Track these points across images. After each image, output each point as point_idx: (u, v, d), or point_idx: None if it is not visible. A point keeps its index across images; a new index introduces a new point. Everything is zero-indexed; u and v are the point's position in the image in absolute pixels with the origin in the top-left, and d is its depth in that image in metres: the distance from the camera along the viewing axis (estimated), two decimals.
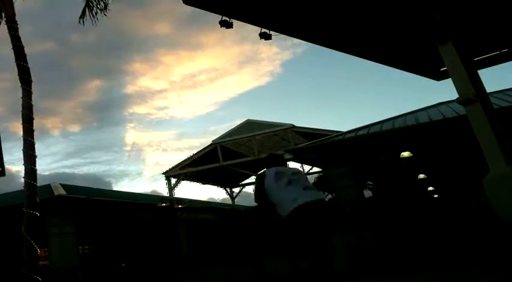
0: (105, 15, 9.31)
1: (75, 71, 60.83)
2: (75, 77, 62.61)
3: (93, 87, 63.44)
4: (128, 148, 76.87)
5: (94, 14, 9.28)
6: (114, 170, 74.16)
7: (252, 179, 37.90)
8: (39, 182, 7.33)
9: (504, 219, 7.38)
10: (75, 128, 73.94)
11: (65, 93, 65.39)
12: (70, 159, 73.46)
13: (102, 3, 9.32)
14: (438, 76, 12.27)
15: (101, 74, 67.49)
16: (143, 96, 70.56)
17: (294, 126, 28.39)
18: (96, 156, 74.69)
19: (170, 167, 31.27)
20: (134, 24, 57.71)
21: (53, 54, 56.32)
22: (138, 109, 74.00)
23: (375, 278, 7.61)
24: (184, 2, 8.07)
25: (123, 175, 73.78)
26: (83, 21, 9.40)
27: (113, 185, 79.89)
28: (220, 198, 41.82)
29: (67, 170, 70.62)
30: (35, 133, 7.23)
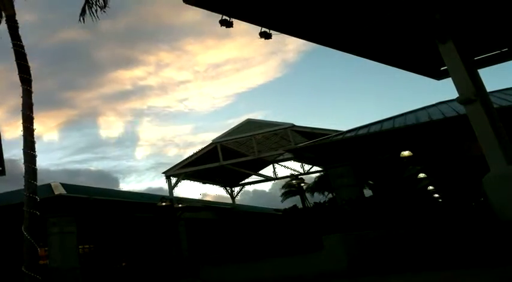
0: (104, 12, 9.28)
1: (97, 61, 59.89)
2: (97, 68, 61.69)
3: (114, 78, 62.28)
4: (141, 143, 76.12)
5: (94, 12, 9.25)
6: (123, 165, 73.67)
7: (253, 178, 37.93)
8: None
9: (504, 218, 7.38)
10: (90, 121, 73.12)
11: (84, 84, 63.98)
12: (82, 154, 72.55)
13: (101, 1, 9.28)
14: (438, 75, 12.28)
15: (123, 65, 66.33)
16: (164, 88, 69.54)
17: (294, 126, 28.39)
18: (108, 151, 73.87)
19: (171, 166, 31.35)
20: (161, 12, 56.67)
21: (76, 43, 55.34)
22: (158, 101, 72.80)
23: (375, 277, 7.61)
24: (184, 2, 8.08)
25: (131, 171, 73.13)
26: (83, 19, 9.36)
27: (120, 180, 78.74)
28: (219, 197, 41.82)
29: (77, 165, 70.13)
30: (36, 132, 7.24)
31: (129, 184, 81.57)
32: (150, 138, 79.52)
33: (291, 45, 56.61)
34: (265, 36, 9.35)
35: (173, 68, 65.30)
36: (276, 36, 9.54)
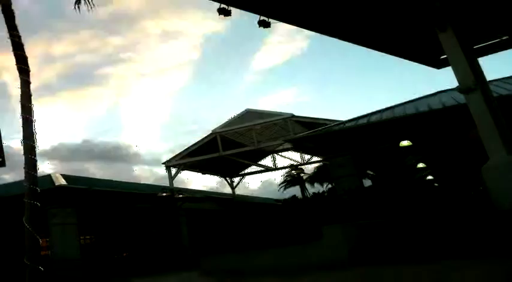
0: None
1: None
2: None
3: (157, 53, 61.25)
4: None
5: (89, 0, 9.02)
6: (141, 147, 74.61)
7: (252, 168, 37.98)
8: None
9: (503, 207, 7.41)
10: (121, 101, 73.36)
11: (127, 59, 63.91)
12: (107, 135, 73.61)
13: None
14: (438, 64, 12.23)
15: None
16: None
17: (293, 116, 28.32)
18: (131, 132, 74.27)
19: (170, 156, 31.39)
20: None
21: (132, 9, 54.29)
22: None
23: (375, 266, 7.67)
24: None
25: (150, 154, 73.94)
26: (78, 7, 9.15)
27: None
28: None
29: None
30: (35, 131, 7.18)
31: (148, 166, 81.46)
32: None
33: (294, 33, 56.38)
34: (264, 24, 9.28)
35: None
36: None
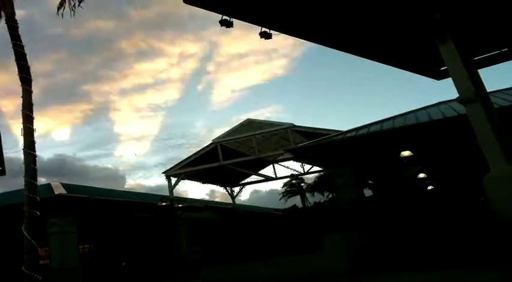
0: (82, 7, 8.87)
1: (118, 52, 60.13)
2: (118, 60, 61.88)
3: (136, 70, 62.86)
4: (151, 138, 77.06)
5: (72, 7, 8.87)
6: (131, 160, 74.86)
7: (252, 178, 37.89)
8: None
9: (503, 218, 7.38)
10: (105, 116, 73.52)
11: (107, 76, 63.95)
12: (93, 149, 73.58)
13: None
14: (438, 75, 12.29)
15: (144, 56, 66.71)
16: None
17: (294, 126, 28.39)
18: (118, 146, 74.74)
19: (171, 166, 31.38)
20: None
21: (106, 32, 55.90)
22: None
23: (375, 276, 7.62)
24: (185, 2, 8.09)
25: (139, 167, 73.95)
26: (62, 14, 8.93)
27: (127, 177, 79.35)
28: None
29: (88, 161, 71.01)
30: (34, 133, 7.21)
31: (137, 180, 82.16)
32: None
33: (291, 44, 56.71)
34: (266, 36, 9.34)
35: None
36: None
